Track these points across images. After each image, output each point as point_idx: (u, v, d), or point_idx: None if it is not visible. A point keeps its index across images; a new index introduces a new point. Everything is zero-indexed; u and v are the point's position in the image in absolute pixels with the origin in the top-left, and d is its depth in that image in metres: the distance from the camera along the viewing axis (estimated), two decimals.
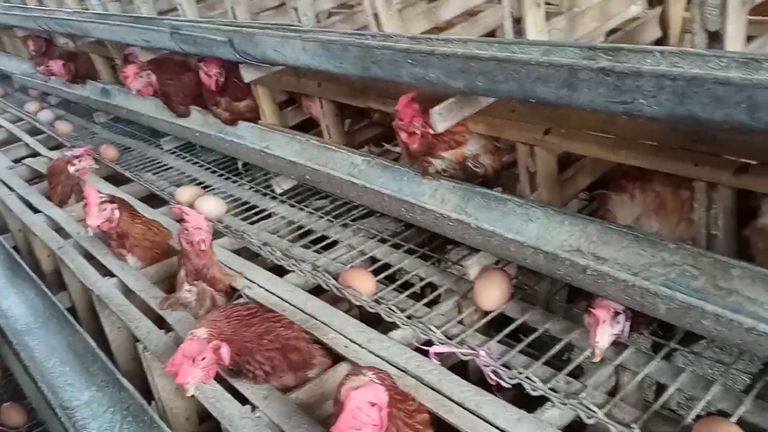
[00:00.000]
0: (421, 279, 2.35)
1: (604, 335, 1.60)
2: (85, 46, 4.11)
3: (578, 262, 1.65)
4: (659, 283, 1.51)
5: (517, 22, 1.80)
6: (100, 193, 2.67)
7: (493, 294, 2.03)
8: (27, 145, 4.35)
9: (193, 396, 2.33)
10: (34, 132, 4.65)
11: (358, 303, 2.15)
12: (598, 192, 1.95)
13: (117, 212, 2.57)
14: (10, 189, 3.65)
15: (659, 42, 2.28)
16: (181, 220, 2.29)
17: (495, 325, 2.09)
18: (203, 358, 1.70)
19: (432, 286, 2.32)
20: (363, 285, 2.18)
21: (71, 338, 2.72)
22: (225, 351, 1.76)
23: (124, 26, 3.09)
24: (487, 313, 2.08)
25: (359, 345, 2.00)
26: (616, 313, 1.64)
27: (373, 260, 2.54)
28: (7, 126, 4.84)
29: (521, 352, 1.90)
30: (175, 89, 3.18)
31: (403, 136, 2.05)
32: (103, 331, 2.75)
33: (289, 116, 3.22)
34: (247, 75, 2.65)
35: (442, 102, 1.85)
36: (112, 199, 2.60)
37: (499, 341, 1.96)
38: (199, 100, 3.15)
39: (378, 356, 1.94)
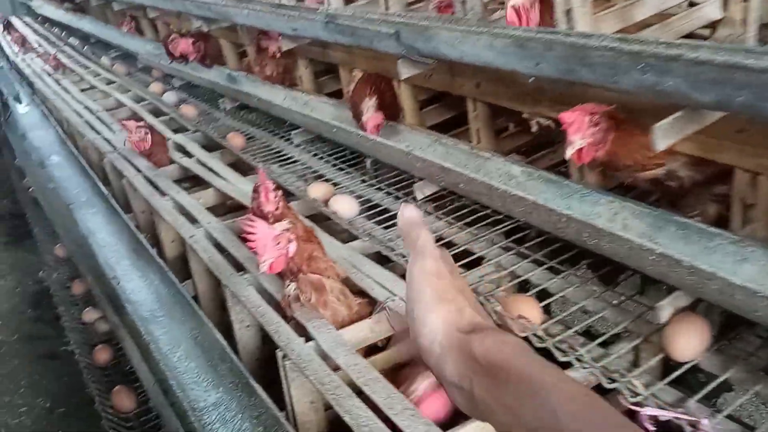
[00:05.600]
0: (588, 312, 2.09)
1: None
2: (217, 30, 4.06)
3: None
4: None
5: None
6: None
7: (691, 342, 1.75)
8: None
9: (326, 411, 2.19)
10: (157, 113, 4.67)
11: (524, 334, 1.91)
12: None
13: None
14: (137, 169, 3.63)
15: None
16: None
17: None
18: None
19: (602, 322, 2.06)
20: (530, 314, 1.94)
21: (197, 331, 2.61)
22: None
23: (271, 13, 2.96)
24: (677, 363, 1.80)
25: None
26: None
27: (526, 283, 2.30)
28: (131, 105, 4.90)
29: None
30: None
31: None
32: (226, 327, 2.64)
33: (427, 116, 3.03)
34: (404, 71, 2.45)
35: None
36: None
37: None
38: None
39: None
